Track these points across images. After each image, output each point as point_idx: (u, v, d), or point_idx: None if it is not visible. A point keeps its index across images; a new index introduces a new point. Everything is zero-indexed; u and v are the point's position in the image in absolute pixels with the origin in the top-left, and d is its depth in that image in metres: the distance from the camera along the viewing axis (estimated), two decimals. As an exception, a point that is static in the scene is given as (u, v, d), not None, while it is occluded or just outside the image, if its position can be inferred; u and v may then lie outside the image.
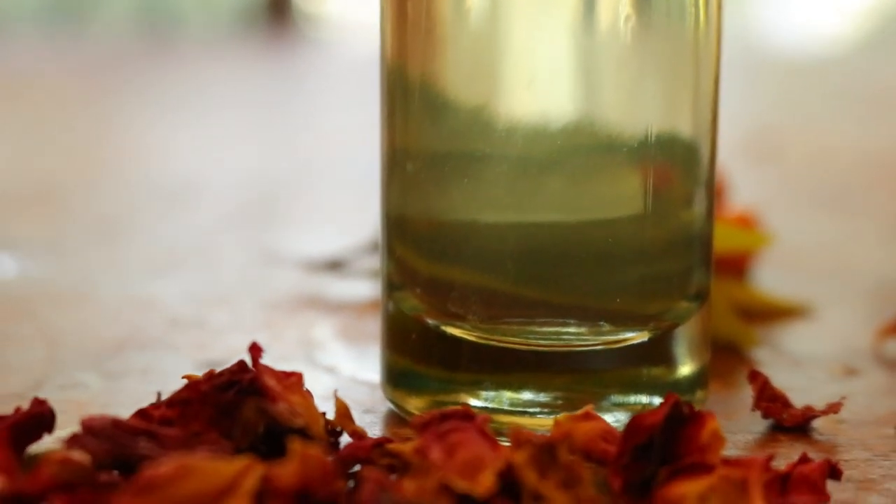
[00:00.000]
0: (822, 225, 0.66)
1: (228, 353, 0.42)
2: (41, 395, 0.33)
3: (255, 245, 0.59)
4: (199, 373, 0.33)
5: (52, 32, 1.96)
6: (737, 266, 0.47)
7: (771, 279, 0.51)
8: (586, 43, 0.35)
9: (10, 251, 0.56)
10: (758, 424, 0.36)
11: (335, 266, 0.51)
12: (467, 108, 0.36)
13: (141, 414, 0.32)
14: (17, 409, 0.31)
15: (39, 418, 0.31)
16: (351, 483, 0.30)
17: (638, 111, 0.36)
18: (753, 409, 0.37)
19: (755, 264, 0.50)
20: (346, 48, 1.76)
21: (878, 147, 0.93)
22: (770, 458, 0.30)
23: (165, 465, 0.28)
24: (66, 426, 0.32)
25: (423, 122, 0.36)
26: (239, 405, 0.31)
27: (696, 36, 0.36)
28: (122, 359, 0.42)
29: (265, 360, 0.32)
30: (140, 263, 0.55)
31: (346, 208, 0.69)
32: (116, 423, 0.30)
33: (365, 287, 0.50)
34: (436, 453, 0.29)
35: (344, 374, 0.40)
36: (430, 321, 0.36)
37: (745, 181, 0.71)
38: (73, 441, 0.29)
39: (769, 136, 0.97)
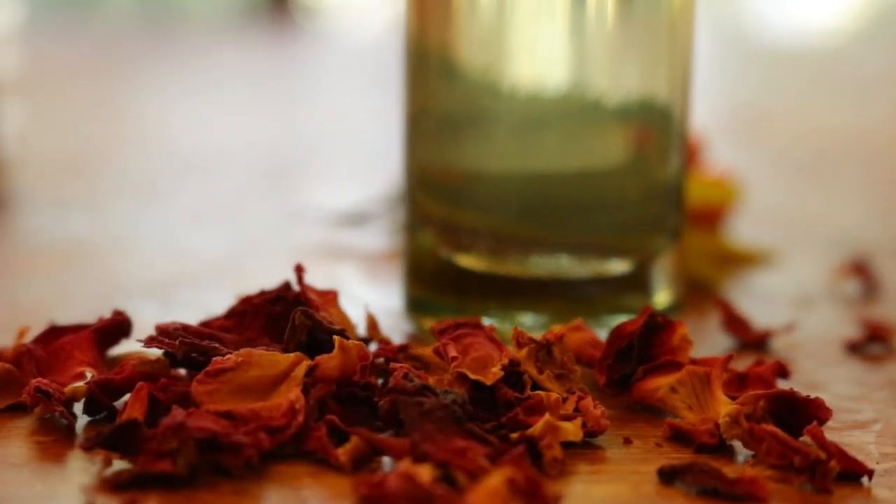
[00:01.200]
0: (798, 190, 0.72)
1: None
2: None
3: (279, 203, 0.65)
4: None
5: (58, 22, 2.01)
6: (712, 219, 0.53)
7: (747, 232, 0.57)
8: (578, 18, 0.41)
9: (61, 210, 0.62)
10: (724, 342, 0.43)
11: (356, 220, 0.57)
12: (477, 74, 0.42)
13: (203, 323, 0.38)
14: (100, 318, 0.37)
15: (119, 325, 0.37)
16: (380, 381, 0.36)
17: (621, 78, 0.42)
18: (720, 331, 0.43)
19: (731, 218, 0.56)
20: (345, 38, 1.81)
21: (860, 127, 0.99)
22: (729, 357, 0.36)
23: (231, 356, 0.34)
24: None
25: (439, 85, 0.43)
26: (287, 315, 0.37)
27: (672, 14, 0.42)
28: (173, 293, 0.48)
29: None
30: (177, 219, 0.61)
31: (361, 170, 0.75)
32: (186, 328, 0.36)
33: (383, 237, 0.56)
34: (451, 350, 0.35)
35: (368, 303, 0.46)
36: (444, 254, 0.42)
37: (733, 154, 0.77)
38: (150, 341, 0.35)
39: (759, 116, 1.03)
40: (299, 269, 0.38)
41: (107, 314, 0.41)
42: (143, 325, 0.40)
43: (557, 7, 0.41)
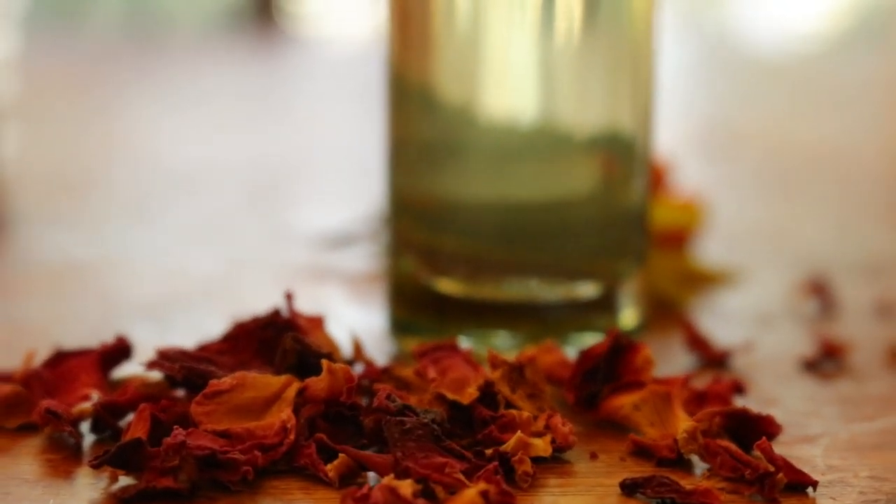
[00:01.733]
0: (766, 208, 0.75)
1: (253, 311, 0.51)
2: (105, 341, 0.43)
3: (267, 222, 0.68)
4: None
5: (43, 35, 2.03)
6: (679, 240, 0.56)
7: (714, 250, 0.60)
8: (547, 57, 0.44)
9: (55, 229, 0.64)
10: (686, 360, 0.45)
11: (341, 241, 0.60)
12: (455, 107, 0.45)
13: (200, 347, 0.40)
14: (104, 343, 0.40)
15: (121, 349, 0.40)
16: (365, 400, 0.39)
17: (587, 111, 0.45)
18: (683, 349, 0.46)
19: (699, 239, 0.59)
20: (330, 47, 1.84)
21: (833, 141, 1.01)
22: (688, 377, 0.39)
23: (227, 379, 0.36)
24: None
25: (419, 117, 0.45)
26: (278, 339, 0.39)
27: (634, 49, 0.45)
28: (168, 314, 0.50)
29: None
30: (167, 238, 0.64)
31: (347, 186, 0.78)
32: (184, 352, 0.39)
33: (366, 258, 0.59)
34: (431, 372, 0.38)
35: (353, 324, 0.49)
36: (424, 279, 0.45)
37: (705, 172, 0.80)
38: (151, 364, 0.38)
39: (734, 130, 1.06)
40: (289, 297, 0.40)
41: (106, 336, 0.43)
42: (141, 346, 0.43)
43: (528, 44, 0.44)
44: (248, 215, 0.70)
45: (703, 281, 0.55)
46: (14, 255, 0.61)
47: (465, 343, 0.44)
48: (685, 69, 1.51)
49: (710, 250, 0.60)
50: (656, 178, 0.56)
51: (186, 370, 0.38)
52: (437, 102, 0.45)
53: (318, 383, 0.36)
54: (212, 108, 1.14)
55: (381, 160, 0.47)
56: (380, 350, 0.46)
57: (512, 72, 0.44)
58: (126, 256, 0.60)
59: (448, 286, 0.45)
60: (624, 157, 0.45)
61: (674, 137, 0.78)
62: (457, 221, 0.45)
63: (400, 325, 0.46)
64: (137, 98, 1.18)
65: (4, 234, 0.64)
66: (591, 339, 0.44)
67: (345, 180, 0.81)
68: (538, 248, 0.45)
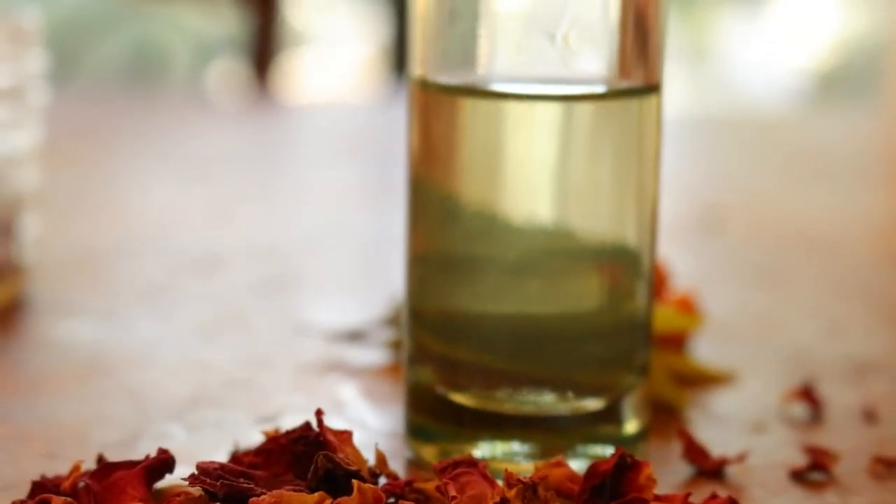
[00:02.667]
0: (753, 299, 0.77)
1: (276, 409, 0.54)
2: (142, 445, 0.46)
3: (280, 312, 0.70)
4: (258, 426, 0.48)
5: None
6: (676, 341, 0.60)
7: (705, 350, 0.63)
8: (560, 181, 0.48)
9: (73, 317, 0.67)
10: (685, 469, 0.49)
11: (355, 336, 0.63)
12: (470, 225, 0.49)
13: (235, 459, 0.44)
14: (147, 457, 0.43)
15: (164, 462, 0.43)
16: (388, 511, 0.42)
17: (596, 229, 0.48)
18: (682, 458, 0.49)
19: (692, 339, 0.62)
20: (329, 114, 1.87)
21: (818, 218, 1.04)
22: (687, 495, 0.42)
23: (266, 497, 0.40)
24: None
25: (437, 234, 0.49)
26: (308, 454, 0.43)
27: (640, 175, 0.48)
28: (197, 413, 0.54)
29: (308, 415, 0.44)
30: (186, 330, 0.66)
31: (359, 279, 0.80)
32: (222, 466, 0.42)
33: (381, 354, 0.62)
34: (451, 490, 0.41)
35: (370, 427, 0.52)
36: (441, 390, 0.49)
37: (689, 258, 0.83)
38: (192, 479, 0.41)
39: (715, 210, 1.08)
40: (319, 414, 0.44)
41: (141, 439, 0.46)
42: (175, 447, 0.45)
43: (542, 169, 0.48)
44: (261, 304, 0.73)
45: (698, 383, 0.58)
46: (35, 347, 0.64)
47: (479, 451, 0.47)
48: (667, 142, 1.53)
49: (700, 346, 0.63)
50: (657, 285, 0.59)
51: (227, 487, 0.41)
52: (455, 221, 0.49)
53: (349, 502, 0.40)
54: (216, 178, 1.16)
55: (388, 250, 0.50)
56: (398, 455, 0.49)
57: (528, 190, 0.48)
58: (147, 349, 0.62)
59: (463, 399, 0.48)
60: (631, 270, 0.49)
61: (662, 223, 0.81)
62: (473, 335, 0.48)
63: (417, 431, 0.50)
64: (141, 166, 1.19)
65: (25, 324, 0.67)
66: (596, 450, 0.48)
67: (355, 266, 0.84)
68: (550, 362, 0.48)
